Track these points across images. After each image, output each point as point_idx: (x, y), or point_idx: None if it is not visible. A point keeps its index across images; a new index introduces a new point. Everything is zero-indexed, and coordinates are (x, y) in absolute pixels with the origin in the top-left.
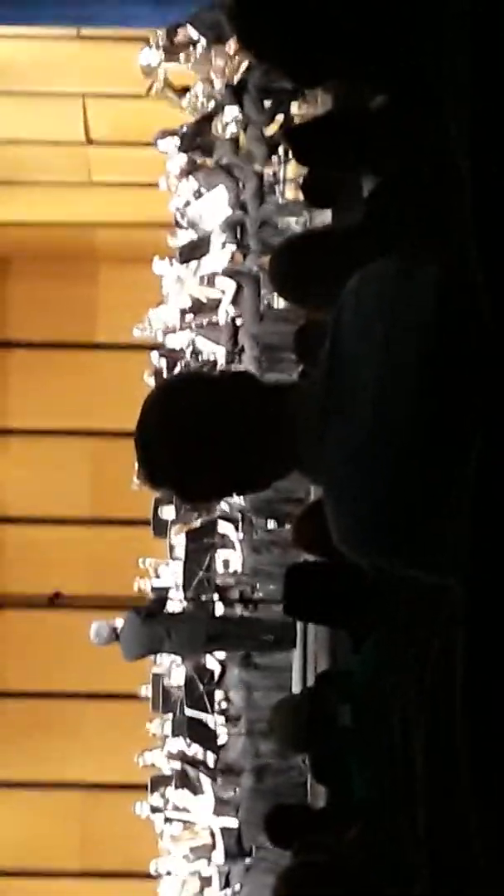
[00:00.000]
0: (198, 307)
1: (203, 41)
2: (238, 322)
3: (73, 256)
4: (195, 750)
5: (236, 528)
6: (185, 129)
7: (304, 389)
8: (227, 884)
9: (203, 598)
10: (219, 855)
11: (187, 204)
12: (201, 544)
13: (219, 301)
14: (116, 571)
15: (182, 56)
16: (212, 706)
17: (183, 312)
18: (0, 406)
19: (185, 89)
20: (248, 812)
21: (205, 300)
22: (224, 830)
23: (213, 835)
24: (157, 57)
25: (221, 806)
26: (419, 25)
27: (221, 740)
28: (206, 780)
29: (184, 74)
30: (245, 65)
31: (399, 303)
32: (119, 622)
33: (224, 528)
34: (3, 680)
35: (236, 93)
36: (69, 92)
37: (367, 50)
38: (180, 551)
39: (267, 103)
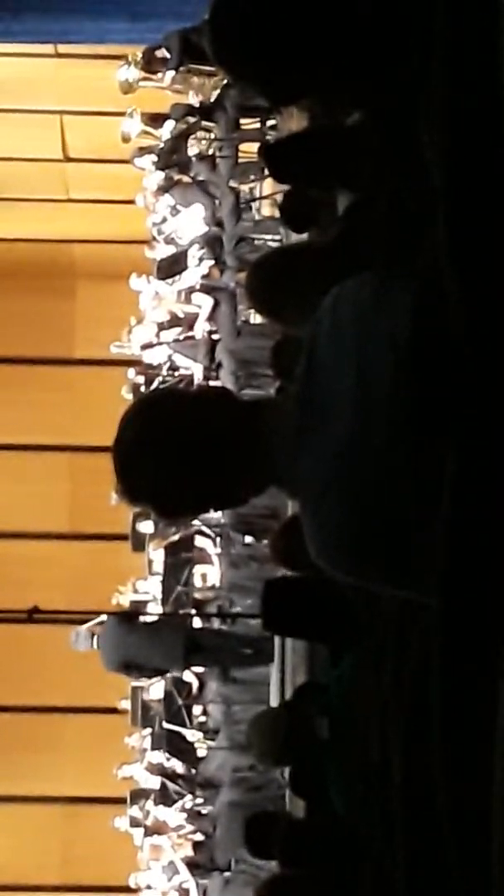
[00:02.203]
0: (175, 323)
1: (179, 60)
2: (215, 338)
3: (50, 273)
4: (174, 763)
5: (214, 543)
6: (161, 146)
7: (281, 405)
8: None
9: (181, 612)
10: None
11: (164, 220)
12: (179, 559)
13: (196, 317)
14: (95, 586)
15: (159, 75)
16: (190, 720)
17: (160, 328)
18: None
19: (159, 116)
20: (227, 825)
21: (182, 315)
22: (196, 844)
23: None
24: (135, 73)
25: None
26: (395, 43)
27: (200, 754)
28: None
29: (160, 97)
30: (222, 83)
31: (374, 320)
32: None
33: (202, 542)
34: None
35: (211, 111)
36: (47, 109)
37: (343, 68)
38: (158, 566)
39: (242, 121)
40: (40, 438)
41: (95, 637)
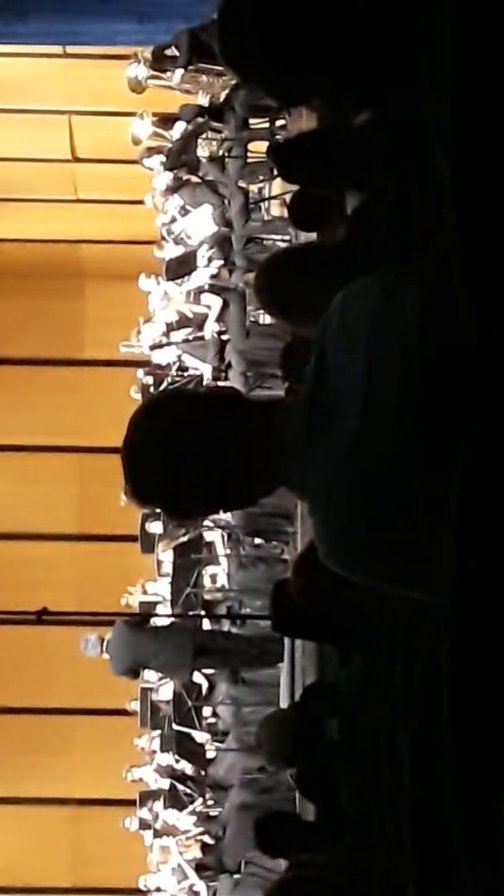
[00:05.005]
0: (184, 323)
1: (188, 59)
2: (224, 338)
3: (59, 273)
4: (183, 765)
5: (223, 544)
6: (170, 146)
7: (290, 406)
8: None
9: (190, 613)
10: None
11: (173, 220)
12: (188, 560)
13: (205, 317)
14: (104, 587)
15: (168, 73)
16: (200, 722)
17: (169, 328)
18: None
19: (170, 117)
20: (237, 827)
21: (191, 316)
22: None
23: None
24: (144, 71)
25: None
26: (403, 43)
27: (210, 756)
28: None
29: (169, 98)
30: (231, 83)
31: (383, 320)
32: (108, 635)
33: (211, 543)
34: None
35: (220, 111)
36: (55, 109)
37: (351, 68)
38: (168, 567)
39: (251, 121)
40: (49, 439)
41: (105, 642)
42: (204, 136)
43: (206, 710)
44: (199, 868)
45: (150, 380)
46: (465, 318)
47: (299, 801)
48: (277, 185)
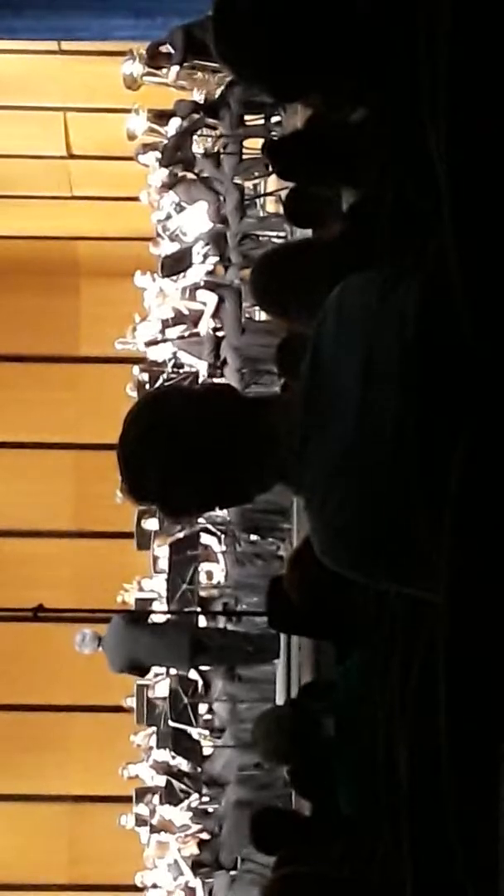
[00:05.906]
0: (179, 320)
1: (184, 56)
2: (220, 335)
3: (54, 270)
4: (179, 762)
5: (219, 541)
6: (166, 142)
7: (286, 402)
8: None
9: (186, 610)
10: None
11: (168, 217)
12: (185, 556)
13: (200, 314)
14: (100, 584)
15: (164, 70)
16: (196, 718)
17: (164, 325)
18: None
19: (165, 113)
20: (233, 824)
21: (186, 312)
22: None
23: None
24: (139, 68)
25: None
26: (399, 38)
27: (206, 752)
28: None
29: (164, 95)
30: (226, 79)
31: (380, 316)
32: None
33: (207, 540)
34: None
35: (215, 107)
36: (50, 106)
37: (349, 66)
38: (164, 563)
39: (247, 118)
40: (45, 436)
41: (100, 639)
42: (199, 132)
43: (203, 707)
44: (196, 865)
45: (145, 377)
46: (463, 317)
47: (295, 798)
48: (273, 182)
